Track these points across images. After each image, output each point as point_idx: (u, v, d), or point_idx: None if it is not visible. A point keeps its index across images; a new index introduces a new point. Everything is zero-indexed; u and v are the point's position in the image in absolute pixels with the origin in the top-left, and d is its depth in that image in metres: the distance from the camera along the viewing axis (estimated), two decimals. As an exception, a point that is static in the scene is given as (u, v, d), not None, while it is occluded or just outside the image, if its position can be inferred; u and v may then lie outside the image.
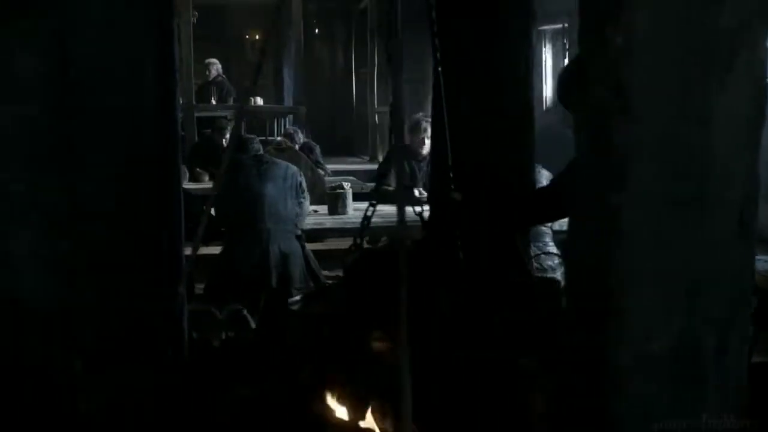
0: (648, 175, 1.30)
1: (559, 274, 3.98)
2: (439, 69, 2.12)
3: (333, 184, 5.19)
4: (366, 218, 1.95)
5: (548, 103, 8.32)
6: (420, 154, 5.28)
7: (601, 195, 1.34)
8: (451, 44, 2.27)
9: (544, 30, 8.43)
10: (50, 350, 1.26)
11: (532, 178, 2.52)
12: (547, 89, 8.54)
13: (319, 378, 2.21)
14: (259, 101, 9.84)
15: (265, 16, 11.19)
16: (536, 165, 2.70)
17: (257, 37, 12.67)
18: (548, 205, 2.30)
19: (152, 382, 1.33)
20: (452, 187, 2.06)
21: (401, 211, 1.74)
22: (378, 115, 10.32)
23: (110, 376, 1.29)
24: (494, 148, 2.41)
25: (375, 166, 9.25)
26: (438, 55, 2.08)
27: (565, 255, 1.51)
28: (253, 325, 3.00)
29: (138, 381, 1.31)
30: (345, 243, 5.65)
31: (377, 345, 1.92)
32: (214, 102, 9.10)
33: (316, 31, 12.34)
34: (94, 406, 1.28)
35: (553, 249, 4.30)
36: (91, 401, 1.28)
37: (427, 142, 5.28)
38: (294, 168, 4.34)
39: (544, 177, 3.59)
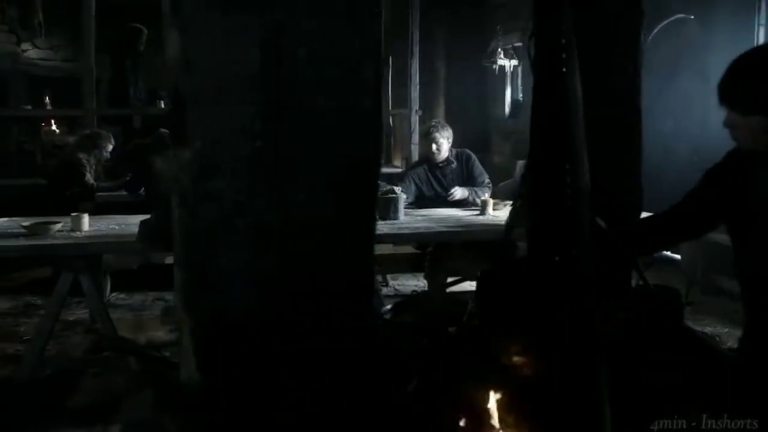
0: None
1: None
2: (564, 70, 2.04)
3: (383, 189, 5.05)
4: (509, 227, 1.87)
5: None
6: (435, 160, 5.28)
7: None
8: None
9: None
10: (253, 370, 1.17)
11: (639, 182, 2.45)
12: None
13: (433, 390, 2.14)
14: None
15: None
16: None
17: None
18: (682, 227, 2.13)
19: (362, 409, 1.24)
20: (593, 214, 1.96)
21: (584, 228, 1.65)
22: (392, 117, 10.18)
23: (316, 399, 1.20)
24: (601, 153, 2.34)
25: (389, 170, 9.11)
26: (568, 54, 2.00)
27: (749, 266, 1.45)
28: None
29: (345, 405, 1.22)
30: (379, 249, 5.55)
31: (516, 357, 1.84)
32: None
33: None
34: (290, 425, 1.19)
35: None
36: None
37: (443, 145, 5.24)
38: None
39: None
